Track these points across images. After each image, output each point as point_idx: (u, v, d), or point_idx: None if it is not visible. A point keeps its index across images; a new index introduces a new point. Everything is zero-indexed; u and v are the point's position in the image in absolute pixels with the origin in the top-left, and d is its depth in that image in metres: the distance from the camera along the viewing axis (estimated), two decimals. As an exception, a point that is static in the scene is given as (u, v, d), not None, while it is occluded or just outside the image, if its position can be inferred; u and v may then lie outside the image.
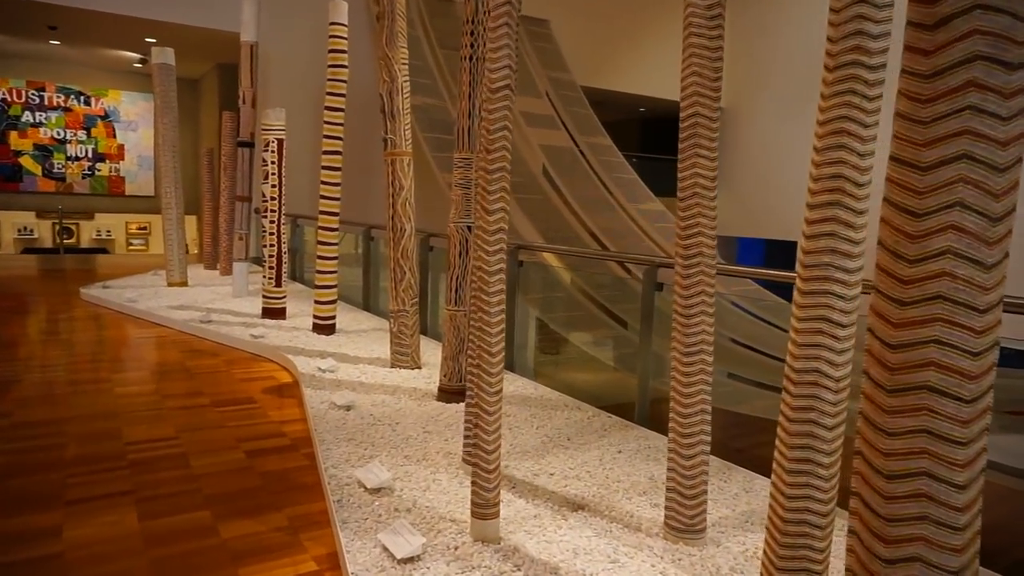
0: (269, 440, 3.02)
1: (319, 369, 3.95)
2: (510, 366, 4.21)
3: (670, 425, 2.09)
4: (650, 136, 15.86)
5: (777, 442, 1.53)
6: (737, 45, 13.70)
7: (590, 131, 10.59)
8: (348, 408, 3.27)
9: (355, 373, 3.94)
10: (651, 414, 3.23)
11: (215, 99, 11.33)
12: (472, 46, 3.39)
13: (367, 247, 6.06)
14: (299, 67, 9.01)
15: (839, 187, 1.41)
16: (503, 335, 2.04)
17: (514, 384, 3.85)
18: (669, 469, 2.10)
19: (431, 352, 4.44)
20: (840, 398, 1.45)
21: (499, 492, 2.07)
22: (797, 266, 1.49)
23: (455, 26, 10.32)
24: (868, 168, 1.41)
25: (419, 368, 4.13)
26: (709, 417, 2.06)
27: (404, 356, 4.09)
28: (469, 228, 3.44)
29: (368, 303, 6.09)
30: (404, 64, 4.03)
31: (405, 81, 4.03)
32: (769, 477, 2.72)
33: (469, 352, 2.56)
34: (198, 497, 2.42)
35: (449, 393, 3.49)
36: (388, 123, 4.02)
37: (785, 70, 12.83)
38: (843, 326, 1.44)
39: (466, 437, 2.60)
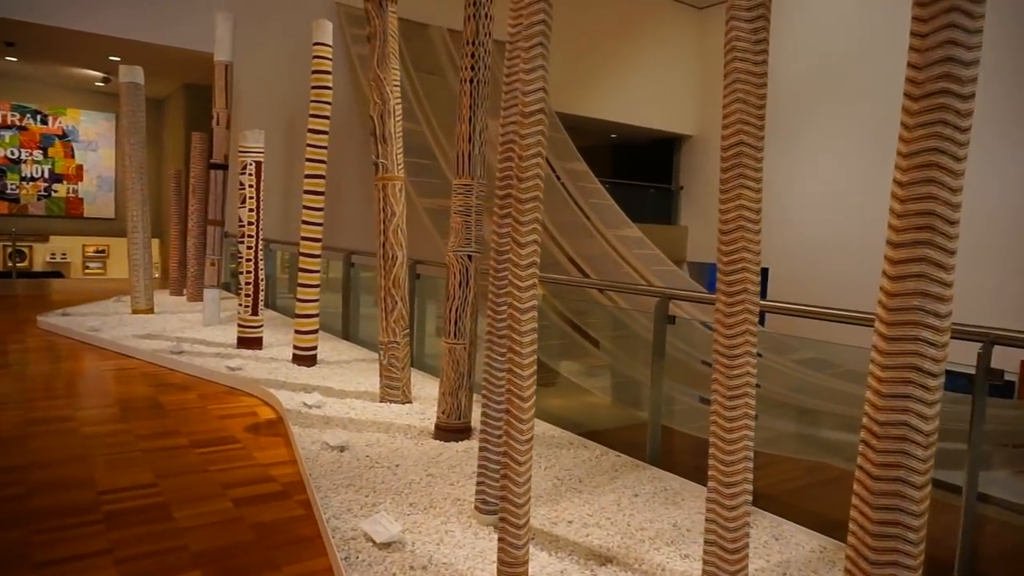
0: (258, 486, 2.79)
1: (305, 404, 3.73)
2: (505, 400, 4.04)
3: (710, 473, 1.95)
4: (621, 162, 15.97)
5: (856, 501, 1.40)
6: (707, 68, 13.92)
7: (566, 156, 10.57)
8: (342, 449, 3.05)
9: (343, 409, 3.73)
10: (663, 453, 3.10)
11: (181, 120, 11.01)
12: (473, 68, 3.27)
13: (347, 273, 5.85)
14: (271, 88, 8.80)
15: (929, 224, 1.30)
16: (535, 377, 1.89)
17: (512, 419, 3.68)
18: (709, 520, 1.96)
19: (419, 385, 4.24)
20: (930, 454, 1.33)
21: (528, 549, 1.90)
22: (878, 308, 1.37)
23: (430, 49, 10.24)
24: (959, 204, 1.30)
25: (410, 403, 3.93)
26: (752, 464, 1.93)
27: (395, 390, 3.89)
28: (470, 257, 3.28)
29: (348, 332, 5.87)
30: (396, 86, 3.89)
31: (397, 103, 3.89)
32: (796, 521, 2.61)
33: (486, 390, 2.39)
34: (185, 555, 2.19)
35: (448, 431, 3.30)
36: (379, 147, 3.86)
37: (772, 100, 13.04)
38: (934, 375, 1.32)
39: (479, 483, 2.42)
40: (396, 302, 3.87)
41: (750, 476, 1.93)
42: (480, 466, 2.40)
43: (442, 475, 2.82)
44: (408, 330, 3.96)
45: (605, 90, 12.81)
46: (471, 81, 3.28)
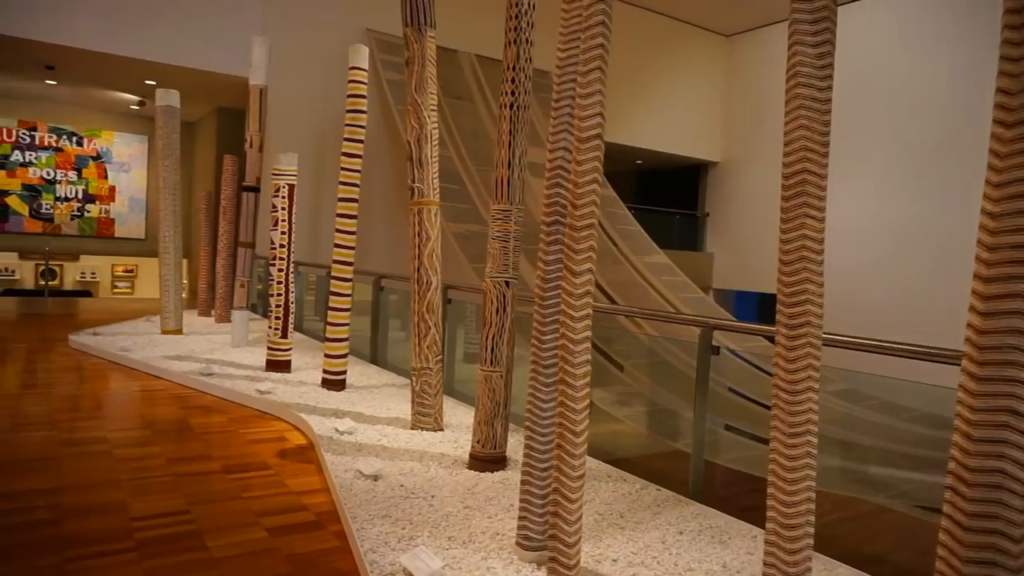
0: (292, 515, 2.73)
1: (336, 431, 3.68)
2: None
3: (769, 515, 1.86)
4: (646, 188, 15.92)
5: (943, 552, 1.31)
6: (733, 95, 13.90)
7: (593, 182, 10.53)
8: (376, 478, 2.99)
9: (375, 435, 3.67)
10: (705, 488, 2.99)
11: (212, 142, 11.19)
12: (513, 93, 3.25)
13: (376, 297, 5.83)
14: (302, 112, 8.90)
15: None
16: (588, 411, 1.82)
17: (546, 449, 3.59)
18: (768, 564, 1.86)
19: (450, 412, 4.18)
20: (1028, 504, 1.24)
21: (578, 591, 1.82)
22: (966, 346, 1.29)
23: (458, 75, 10.33)
24: (1058, 237, 1.23)
25: (442, 430, 3.86)
26: (814, 506, 1.84)
27: (427, 417, 3.83)
28: (507, 284, 3.23)
29: (376, 356, 5.83)
30: (433, 110, 3.88)
31: (434, 128, 3.88)
32: (826, 554, 2.50)
33: (529, 421, 2.33)
34: (221, 588, 2.13)
35: (483, 461, 3.23)
36: (416, 171, 3.84)
37: (781, 122, 12.97)
38: (1032, 419, 1.23)
39: (521, 518, 2.34)
40: (430, 327, 3.83)
41: (812, 519, 1.84)
42: (523, 500, 2.32)
43: (480, 507, 2.74)
44: (441, 356, 3.90)
45: (631, 116, 12.82)
46: (511, 106, 3.26)
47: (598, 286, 8.83)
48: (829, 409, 5.35)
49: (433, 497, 2.82)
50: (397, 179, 9.47)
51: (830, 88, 1.77)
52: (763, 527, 2.73)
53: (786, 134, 1.80)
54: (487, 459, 3.23)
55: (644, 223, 10.81)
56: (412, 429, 3.84)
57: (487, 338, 3.25)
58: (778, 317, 1.83)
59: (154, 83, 9.19)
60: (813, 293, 1.78)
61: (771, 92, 13.19)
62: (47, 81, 10.01)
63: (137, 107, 11.39)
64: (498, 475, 3.16)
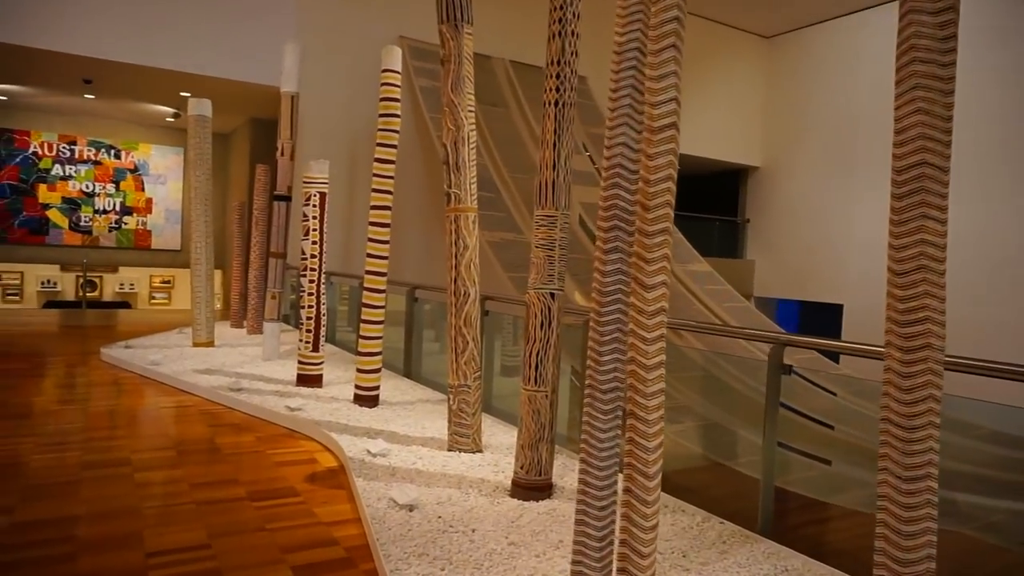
0: (320, 550, 2.50)
1: (368, 452, 3.45)
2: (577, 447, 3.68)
3: (878, 572, 1.57)
4: (685, 194, 15.52)
5: None
6: (774, 98, 13.47)
7: (630, 188, 10.24)
8: (411, 508, 2.75)
9: (410, 458, 3.43)
10: (775, 522, 2.68)
11: (246, 153, 11.16)
12: (558, 90, 3.00)
13: (410, 308, 5.61)
14: (333, 119, 8.79)
15: None
16: (662, 448, 1.55)
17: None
18: (877, 632, 1.57)
19: (488, 431, 3.92)
20: None
21: (651, 662, 1.54)
22: None
23: (491, 80, 10.13)
24: None
25: (480, 451, 3.61)
26: (934, 564, 1.54)
27: (464, 438, 3.58)
28: (552, 296, 2.97)
29: (410, 370, 5.61)
30: (471, 111, 3.65)
31: (472, 130, 3.65)
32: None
33: (585, 453, 2.06)
34: (240, 640, 1.90)
35: (527, 489, 2.96)
36: (452, 176, 3.61)
37: (823, 125, 12.53)
38: None
39: (576, 563, 2.07)
40: (468, 342, 3.58)
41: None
42: (577, 543, 2.05)
43: (525, 543, 2.48)
44: (480, 372, 3.66)
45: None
46: (556, 104, 3.01)
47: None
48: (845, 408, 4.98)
49: (474, 531, 2.56)
50: (431, 187, 9.29)
51: (954, 64, 1.48)
52: (846, 571, 2.42)
53: (898, 120, 1.51)
54: (531, 486, 2.96)
55: (683, 230, 10.46)
56: (449, 451, 3.59)
57: (530, 354, 2.99)
58: (889, 338, 1.54)
59: (188, 95, 9.18)
60: (934, 310, 1.49)
61: (814, 94, 12.75)
62: (85, 95, 10.08)
63: (172, 119, 11.44)
64: (543, 505, 2.89)
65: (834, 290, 12.40)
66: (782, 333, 2.61)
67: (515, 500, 2.94)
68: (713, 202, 14.60)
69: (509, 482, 3.11)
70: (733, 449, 4.62)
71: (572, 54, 3.03)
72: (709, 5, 12.16)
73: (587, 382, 2.00)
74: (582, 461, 2.05)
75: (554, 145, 3.00)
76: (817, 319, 13.74)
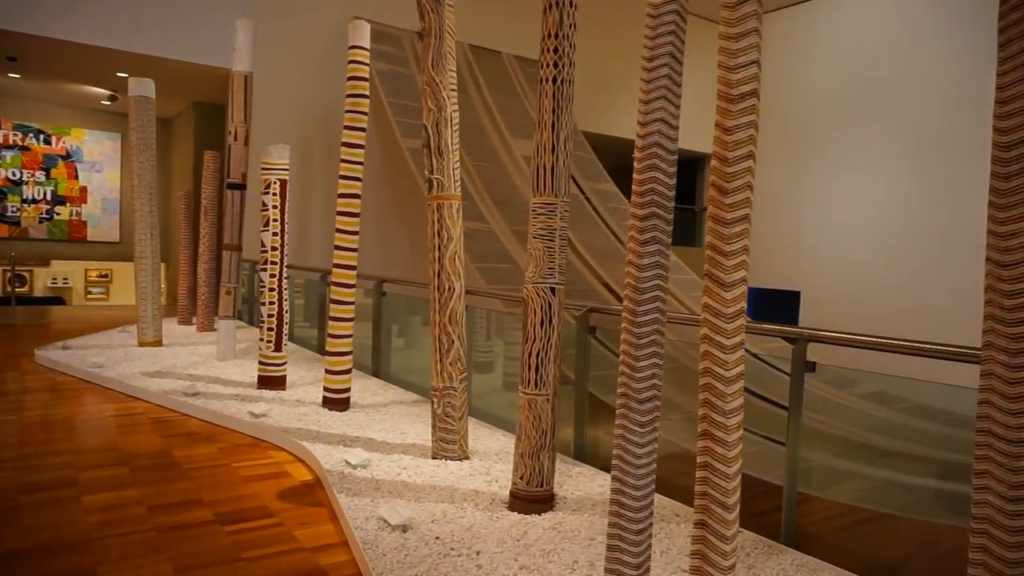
0: (305, 582, 2.21)
1: (348, 463, 3.15)
2: (580, 455, 3.47)
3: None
4: (642, 182, 15.50)
5: None
6: (732, 92, 13.48)
7: (595, 177, 10.07)
8: (405, 529, 2.47)
9: (393, 468, 3.15)
10: (798, 529, 2.52)
11: (189, 139, 10.55)
12: (556, 65, 2.75)
13: (378, 303, 5.29)
14: (283, 101, 8.31)
15: None
16: (740, 475, 1.32)
17: (594, 481, 3.10)
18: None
19: (472, 435, 3.66)
20: None
21: None
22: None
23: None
24: None
25: (467, 458, 3.35)
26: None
27: (451, 444, 3.31)
28: (553, 290, 2.73)
29: (379, 369, 5.29)
30: (453, 91, 3.37)
31: (454, 110, 3.36)
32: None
33: (618, 471, 1.83)
34: None
35: (528, 502, 2.72)
36: (434, 160, 3.32)
37: (779, 112, 12.59)
38: None
39: (608, 593, 1.85)
40: (453, 341, 3.31)
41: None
42: (611, 572, 1.82)
43: (537, 566, 2.24)
44: (465, 373, 3.39)
45: (629, 108, 12.35)
46: (553, 80, 2.76)
47: (605, 285, 8.36)
48: (872, 416, 4.92)
49: (479, 553, 2.31)
50: (390, 176, 8.92)
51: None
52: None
53: (1002, 89, 1.31)
54: (533, 499, 2.73)
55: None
56: (434, 458, 3.32)
57: (530, 355, 2.75)
58: (990, 339, 1.35)
59: (126, 76, 8.55)
60: (1045, 305, 1.30)
61: (769, 81, 12.77)
62: (10, 74, 9.31)
63: (108, 102, 10.71)
64: (547, 519, 2.66)
65: (790, 277, 12.52)
66: (807, 328, 2.43)
67: (515, 514, 2.69)
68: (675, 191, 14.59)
69: (505, 493, 2.87)
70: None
71: (571, 26, 2.77)
72: (668, -9, 12.03)
73: (620, 391, 1.77)
74: (615, 479, 1.82)
75: (552, 126, 2.75)
76: (773, 306, 13.89)
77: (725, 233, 1.29)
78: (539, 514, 2.70)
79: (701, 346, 1.34)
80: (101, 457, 3.36)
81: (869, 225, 11.00)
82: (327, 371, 4.21)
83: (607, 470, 3.32)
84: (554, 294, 2.74)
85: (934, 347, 2.16)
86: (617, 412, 1.77)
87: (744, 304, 1.30)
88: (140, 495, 2.88)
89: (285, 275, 4.77)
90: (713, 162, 1.34)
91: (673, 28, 1.71)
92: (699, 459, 1.36)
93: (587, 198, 9.55)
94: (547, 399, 2.73)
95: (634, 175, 1.75)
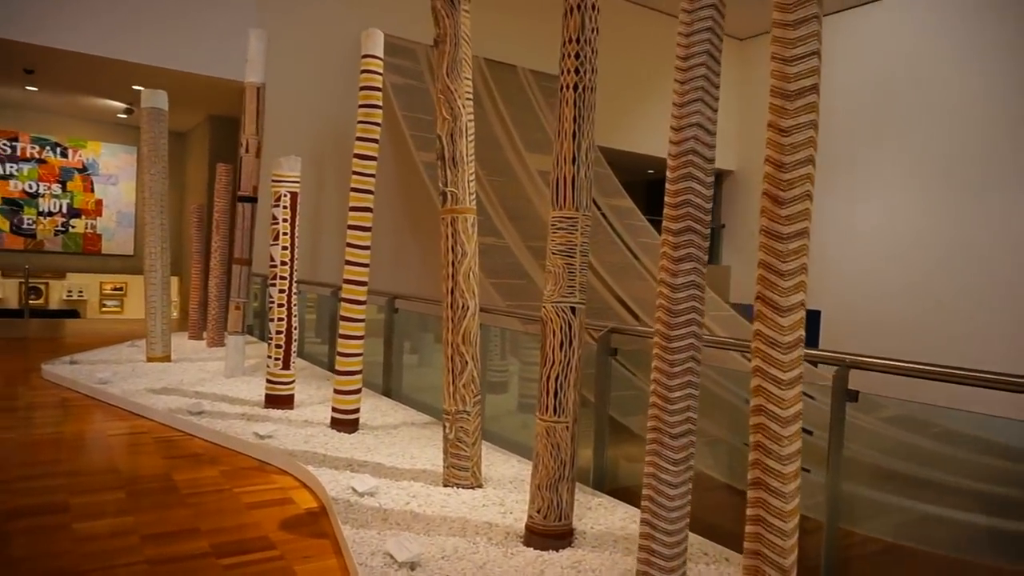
0: (304, 626, 2.04)
1: (354, 491, 2.98)
2: (599, 484, 3.28)
3: None
4: (659, 199, 15.30)
5: None
6: (748, 101, 13.32)
7: (610, 192, 9.92)
8: (413, 566, 2.30)
9: (402, 497, 2.98)
10: (839, 566, 2.31)
11: (204, 152, 10.52)
12: (578, 72, 2.60)
13: (390, 320, 5.15)
14: (296, 114, 8.24)
15: None
16: (798, 530, 1.15)
17: (615, 514, 2.91)
18: None
19: (485, 461, 3.49)
20: None
21: None
22: None
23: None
24: None
25: (480, 487, 3.17)
26: None
27: (464, 471, 3.14)
28: (573, 310, 2.56)
29: (389, 388, 5.14)
30: (469, 99, 3.23)
31: (470, 119, 3.22)
32: None
33: (649, 511, 1.65)
34: None
35: (545, 537, 2.54)
36: (448, 172, 3.18)
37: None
38: None
39: (636, 651, 1.66)
40: (467, 362, 3.15)
41: None
42: (640, 626, 1.64)
43: (556, 612, 2.05)
44: (479, 397, 3.23)
45: (643, 123, 12.23)
46: (575, 88, 2.61)
47: (622, 303, 8.17)
48: (898, 441, 4.69)
49: (492, 596, 2.13)
50: (403, 190, 8.83)
51: None
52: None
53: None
54: (550, 534, 2.54)
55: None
56: (445, 486, 3.15)
57: (548, 379, 2.57)
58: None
59: (141, 89, 8.54)
60: None
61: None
62: (28, 87, 9.34)
63: (124, 115, 10.73)
64: (566, 556, 2.47)
65: (811, 296, 12.18)
66: (848, 354, 2.24)
67: (532, 550, 2.51)
68: (688, 206, 14.37)
69: (520, 526, 2.69)
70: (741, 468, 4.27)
71: (593, 31, 2.63)
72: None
73: (651, 423, 1.60)
74: (645, 522, 1.65)
75: (573, 135, 2.60)
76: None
77: (781, 250, 1.12)
78: (557, 550, 2.51)
79: (752, 380, 1.17)
80: (98, 480, 3.22)
81: (893, 243, 10.75)
82: (336, 391, 4.06)
83: (628, 501, 3.13)
84: (575, 314, 2.57)
85: (995, 377, 1.97)
86: (647, 447, 1.60)
87: (803, 332, 1.13)
88: (135, 523, 2.72)
89: (295, 290, 4.64)
90: (766, 168, 1.17)
91: (710, 24, 1.55)
92: (750, 511, 1.18)
93: (603, 214, 9.39)
94: (566, 427, 2.56)
95: (667, 185, 1.58)
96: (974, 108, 9.64)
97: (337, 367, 4.07)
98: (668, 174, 1.58)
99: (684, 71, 1.56)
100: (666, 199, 1.56)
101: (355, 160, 4.02)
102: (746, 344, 2.96)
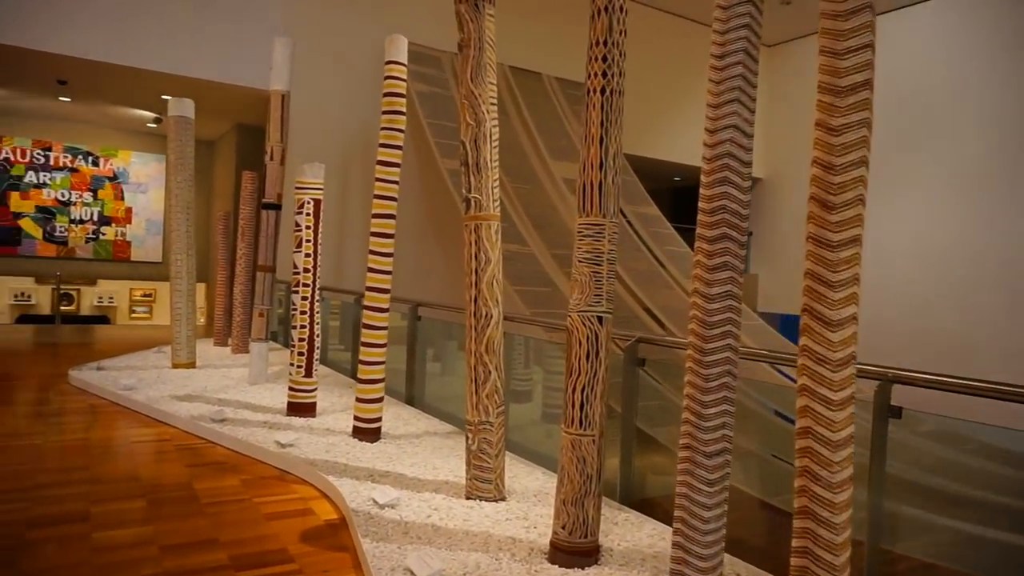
0: (322, 644, 1.98)
1: (375, 503, 2.93)
2: (625, 498, 3.19)
3: None
4: (685, 206, 15.15)
5: None
6: (777, 108, 13.13)
7: (636, 200, 9.81)
8: (434, 583, 2.23)
9: (423, 509, 2.92)
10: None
11: (232, 161, 10.63)
12: (605, 75, 2.52)
13: (413, 328, 5.10)
14: (321, 122, 8.28)
15: None
16: (849, 566, 1.05)
17: (642, 530, 2.82)
18: None
19: (508, 472, 3.41)
20: None
21: None
22: None
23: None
24: None
25: (503, 499, 3.10)
26: None
27: (486, 483, 3.07)
28: (600, 320, 2.48)
29: (412, 396, 5.09)
30: (493, 104, 3.17)
31: (494, 125, 3.17)
32: None
33: (681, 535, 1.56)
34: None
35: (570, 554, 2.45)
36: (472, 179, 3.12)
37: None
38: None
39: None
40: (490, 371, 3.08)
41: None
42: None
43: (581, 635, 1.97)
44: (503, 407, 3.15)
45: (669, 129, 12.11)
46: (602, 91, 2.53)
47: (646, 310, 8.05)
48: (934, 456, 4.52)
49: (515, 617, 2.05)
50: (427, 198, 8.81)
51: None
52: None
53: None
54: (576, 551, 2.45)
55: (687, 243, 10.05)
56: (468, 498, 3.08)
57: (574, 390, 2.49)
58: None
59: (170, 99, 8.65)
60: None
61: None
62: (61, 98, 9.52)
63: (154, 124, 10.89)
64: (592, 574, 2.39)
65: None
66: (890, 368, 2.13)
67: (557, 568, 2.43)
68: (715, 214, 14.19)
69: (544, 541, 2.61)
70: (774, 483, 4.14)
71: (621, 33, 2.56)
72: (709, 11, 11.82)
73: (684, 441, 1.52)
74: (677, 546, 1.56)
75: (600, 140, 2.52)
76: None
77: (831, 259, 1.03)
78: (582, 568, 2.42)
79: (799, 399, 1.09)
80: (119, 488, 3.20)
81: (923, 252, 10.48)
82: (358, 399, 4.01)
83: (654, 514, 3.03)
84: (601, 324, 2.49)
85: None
86: (679, 466, 1.52)
87: (855, 348, 1.04)
88: (155, 532, 2.69)
89: (318, 298, 4.61)
90: (814, 171, 1.09)
91: (748, 21, 1.47)
92: (797, 542, 1.09)
93: (629, 222, 9.29)
94: (593, 440, 2.47)
95: (701, 191, 1.51)
96: (1012, 112, 9.38)
97: (359, 375, 4.03)
98: (702, 178, 1.50)
99: (720, 70, 1.48)
100: (700, 204, 1.48)
101: (378, 167, 3.99)
102: (783, 356, 2.84)
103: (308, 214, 4.51)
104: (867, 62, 1.05)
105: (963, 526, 3.51)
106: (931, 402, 2.53)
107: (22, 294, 11.19)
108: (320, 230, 4.57)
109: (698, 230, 1.48)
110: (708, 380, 1.45)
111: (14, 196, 11.12)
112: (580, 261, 2.52)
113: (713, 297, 1.45)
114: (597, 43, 2.56)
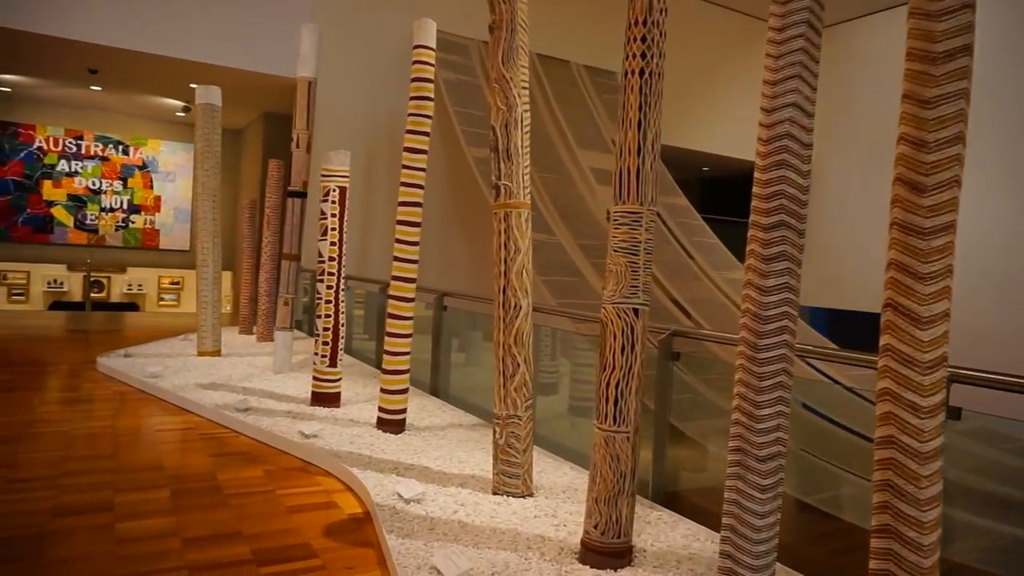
0: (346, 645, 1.91)
1: (400, 497, 2.86)
2: (658, 496, 3.08)
3: None
4: (713, 196, 14.89)
5: None
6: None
7: (665, 190, 9.63)
8: (461, 583, 2.15)
9: (450, 504, 2.84)
10: None
11: (258, 150, 10.64)
12: (644, 56, 2.40)
13: (438, 318, 5.03)
14: (348, 109, 8.22)
15: None
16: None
17: (676, 530, 2.71)
18: None
19: (535, 467, 3.32)
20: None
21: None
22: None
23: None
24: None
25: (531, 495, 3.01)
26: None
27: (514, 479, 2.98)
28: (636, 312, 2.37)
29: (437, 387, 5.02)
30: (524, 89, 3.07)
31: (525, 110, 3.06)
32: None
33: (730, 544, 1.45)
34: None
35: (603, 555, 2.36)
36: (502, 165, 3.03)
37: (860, 124, 11.84)
38: None
39: None
40: (519, 364, 2.99)
41: None
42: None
43: (616, 643, 1.88)
44: (531, 401, 3.06)
45: (697, 119, 11.87)
46: (641, 73, 2.41)
47: (675, 302, 7.90)
48: (981, 457, 4.34)
49: (546, 622, 1.97)
50: (454, 187, 8.73)
51: None
52: None
53: None
54: (608, 552, 2.36)
55: (718, 234, 9.86)
56: (495, 494, 3.00)
57: (607, 385, 2.39)
58: None
59: (197, 86, 8.66)
60: None
61: (851, 92, 12.07)
62: (92, 87, 9.59)
63: (182, 113, 10.94)
64: (624, 575, 2.29)
65: (871, 298, 11.68)
66: (948, 366, 1.99)
67: (588, 568, 2.33)
68: (741, 205, 13.97)
69: (574, 540, 2.52)
70: (817, 485, 4.00)
71: (661, 12, 2.43)
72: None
73: (734, 443, 1.41)
74: (725, 555, 1.46)
75: (639, 124, 2.41)
76: (849, 329, 13.03)
77: (921, 247, 0.91)
78: (615, 569, 2.33)
79: (880, 405, 0.98)
80: (143, 477, 3.17)
81: (974, 244, 10.14)
82: (382, 390, 3.95)
83: (685, 511, 2.93)
84: (637, 316, 2.38)
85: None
86: (729, 470, 1.41)
87: (946, 348, 0.93)
88: (177, 524, 2.65)
89: (344, 286, 4.56)
90: (900, 148, 0.97)
91: (810, -11, 1.35)
92: (876, 564, 0.98)
93: (657, 212, 9.13)
94: (627, 437, 2.37)
95: (756, 175, 1.39)
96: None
97: (384, 366, 3.97)
98: (758, 162, 1.39)
99: (779, 44, 1.36)
100: (755, 190, 1.36)
101: (405, 153, 3.90)
102: (852, 357, 2.71)
103: (334, 202, 4.45)
104: (968, 24, 0.92)
105: (1012, 530, 3.35)
106: (983, 402, 2.39)
107: (55, 281, 11.34)
108: (346, 218, 4.51)
109: (752, 217, 1.37)
110: (762, 379, 1.35)
111: (47, 184, 11.26)
112: (616, 250, 2.42)
113: (769, 289, 1.34)
114: (636, 23, 2.43)
